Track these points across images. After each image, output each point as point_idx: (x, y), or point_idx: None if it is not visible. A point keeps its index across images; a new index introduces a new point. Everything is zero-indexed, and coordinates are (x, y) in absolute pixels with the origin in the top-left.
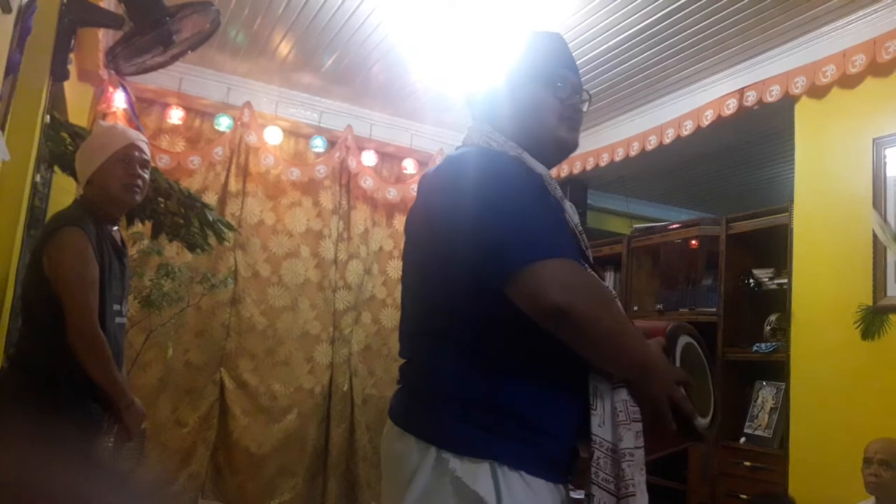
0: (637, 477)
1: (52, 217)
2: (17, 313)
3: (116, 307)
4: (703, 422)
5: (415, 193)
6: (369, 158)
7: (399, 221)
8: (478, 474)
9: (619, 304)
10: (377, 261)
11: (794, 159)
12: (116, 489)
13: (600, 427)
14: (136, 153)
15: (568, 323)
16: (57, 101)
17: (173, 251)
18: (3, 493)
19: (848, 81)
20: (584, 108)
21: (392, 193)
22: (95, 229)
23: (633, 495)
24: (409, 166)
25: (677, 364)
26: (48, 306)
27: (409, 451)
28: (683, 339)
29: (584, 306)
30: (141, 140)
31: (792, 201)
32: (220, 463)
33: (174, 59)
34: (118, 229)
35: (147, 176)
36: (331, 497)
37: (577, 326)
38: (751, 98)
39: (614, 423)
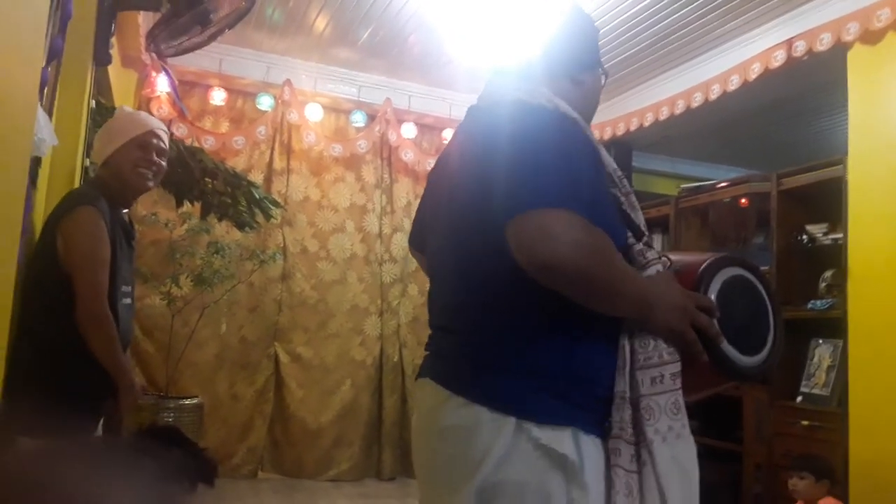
0: (661, 422)
1: (67, 195)
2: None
3: (125, 288)
4: (751, 360)
5: None
6: (409, 131)
7: None
8: (562, 440)
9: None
10: None
11: (846, 110)
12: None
13: (621, 378)
14: (155, 140)
15: (558, 276)
16: (102, 87)
17: (223, 230)
18: (10, 484)
19: None
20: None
21: (433, 165)
22: (109, 210)
23: (652, 442)
24: (449, 137)
25: (712, 297)
26: (59, 283)
27: (480, 421)
28: (730, 272)
29: (575, 259)
30: (161, 129)
31: (846, 153)
32: (277, 436)
33: (212, 38)
34: (128, 212)
35: (164, 164)
36: (386, 465)
37: (568, 280)
38: (800, 48)
39: (633, 369)
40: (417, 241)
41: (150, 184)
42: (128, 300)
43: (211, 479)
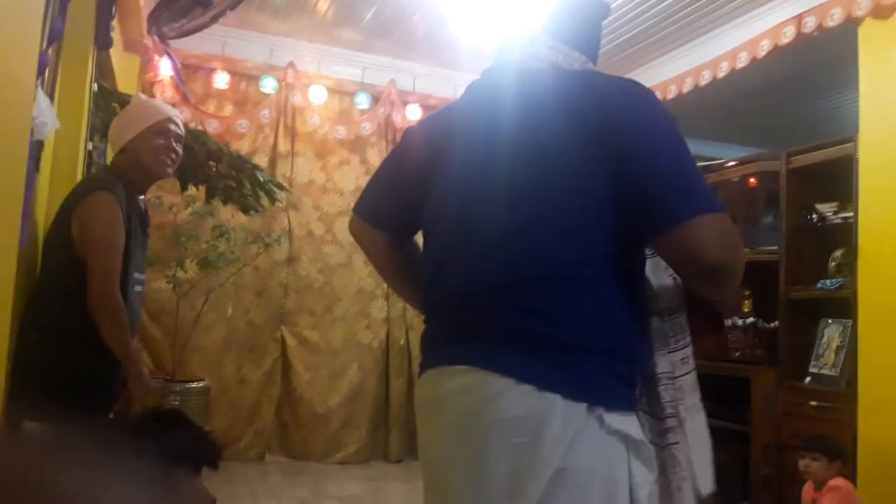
0: (688, 399)
1: (84, 180)
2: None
3: (137, 275)
4: None
5: None
6: (414, 112)
7: None
8: (632, 424)
9: None
10: None
11: (857, 87)
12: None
13: (663, 359)
14: (173, 127)
15: (720, 276)
16: (104, 71)
17: (228, 213)
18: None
19: None
20: None
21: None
22: (126, 196)
23: (685, 420)
24: None
25: None
26: (72, 268)
27: (553, 410)
28: None
29: (736, 261)
30: (177, 116)
31: (856, 131)
32: (284, 418)
33: (214, 19)
34: (143, 198)
35: (181, 151)
36: (393, 448)
37: (727, 279)
38: (810, 24)
39: (668, 351)
40: (375, 216)
41: (170, 170)
42: (139, 287)
43: (215, 462)
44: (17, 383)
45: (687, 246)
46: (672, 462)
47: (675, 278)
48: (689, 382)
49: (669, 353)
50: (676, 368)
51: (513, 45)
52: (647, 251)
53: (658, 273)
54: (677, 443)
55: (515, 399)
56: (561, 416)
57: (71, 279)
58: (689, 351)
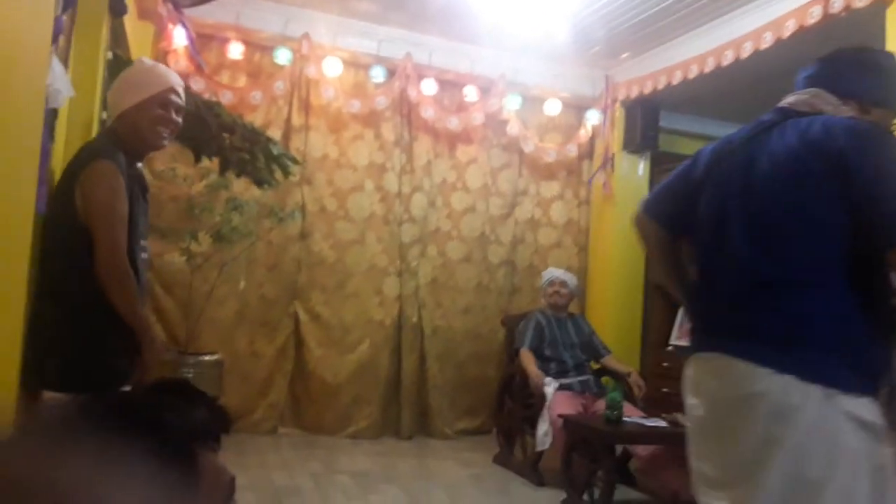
0: None
1: (83, 148)
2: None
3: (143, 243)
4: None
5: (476, 122)
6: (429, 87)
7: (461, 152)
8: (864, 407)
9: None
10: (441, 193)
11: None
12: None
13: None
14: (174, 97)
15: None
16: (119, 40)
17: (241, 186)
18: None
19: None
20: None
21: (453, 123)
22: (125, 164)
23: None
24: (470, 93)
25: None
26: (79, 238)
27: (790, 388)
28: None
29: None
30: (180, 84)
31: None
32: (297, 393)
33: None
34: (142, 165)
35: (180, 121)
36: (405, 425)
37: None
38: (837, 4)
39: None
40: (653, 208)
41: (166, 142)
42: (145, 255)
43: (227, 429)
44: (37, 354)
45: None
46: None
47: None
48: None
49: None
50: None
51: (791, 95)
52: None
53: None
54: None
55: (759, 379)
56: (797, 394)
57: (80, 250)
58: None
